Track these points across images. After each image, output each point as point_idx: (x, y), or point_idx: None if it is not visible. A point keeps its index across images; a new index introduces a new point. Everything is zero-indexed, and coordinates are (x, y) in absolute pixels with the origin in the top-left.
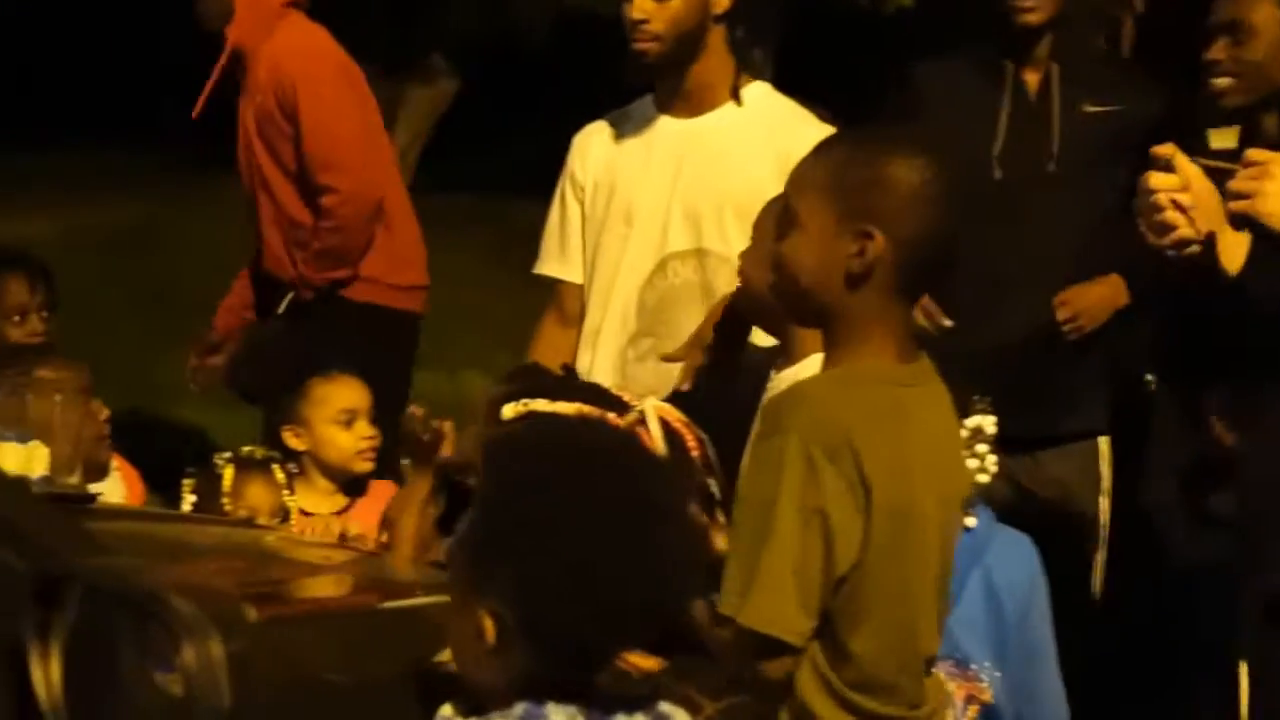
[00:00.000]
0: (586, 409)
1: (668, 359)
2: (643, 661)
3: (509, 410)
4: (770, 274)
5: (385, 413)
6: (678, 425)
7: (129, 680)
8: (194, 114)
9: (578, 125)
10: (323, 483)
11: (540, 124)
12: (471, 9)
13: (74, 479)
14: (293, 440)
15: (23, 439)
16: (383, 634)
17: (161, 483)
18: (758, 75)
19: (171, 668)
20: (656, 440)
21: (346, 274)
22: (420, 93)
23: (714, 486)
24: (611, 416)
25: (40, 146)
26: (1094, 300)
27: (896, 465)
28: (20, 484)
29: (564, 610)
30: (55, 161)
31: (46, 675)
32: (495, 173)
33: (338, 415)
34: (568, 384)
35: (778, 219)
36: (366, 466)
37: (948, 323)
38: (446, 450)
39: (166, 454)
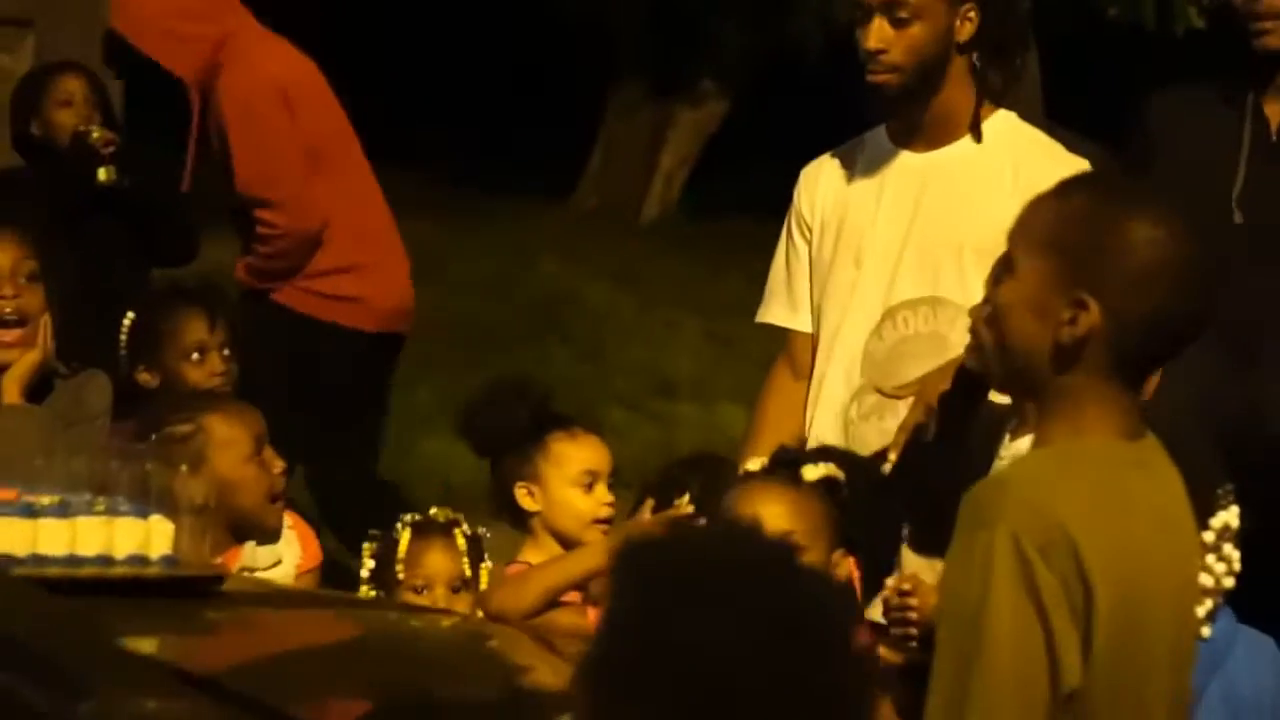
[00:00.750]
0: None
1: (887, 394)
2: None
3: None
4: (987, 327)
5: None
6: None
7: None
8: (184, 185)
9: None
10: (552, 546)
11: (811, 146)
12: (742, 31)
13: (200, 557)
14: (525, 499)
15: (142, 513)
16: None
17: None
18: (1015, 104)
19: None
20: None
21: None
22: (688, 115)
23: None
24: None
25: None
26: None
27: (1122, 561)
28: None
29: None
30: None
31: None
32: (764, 196)
33: (580, 477)
34: None
35: (997, 263)
36: (600, 537)
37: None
38: None
39: (411, 489)
